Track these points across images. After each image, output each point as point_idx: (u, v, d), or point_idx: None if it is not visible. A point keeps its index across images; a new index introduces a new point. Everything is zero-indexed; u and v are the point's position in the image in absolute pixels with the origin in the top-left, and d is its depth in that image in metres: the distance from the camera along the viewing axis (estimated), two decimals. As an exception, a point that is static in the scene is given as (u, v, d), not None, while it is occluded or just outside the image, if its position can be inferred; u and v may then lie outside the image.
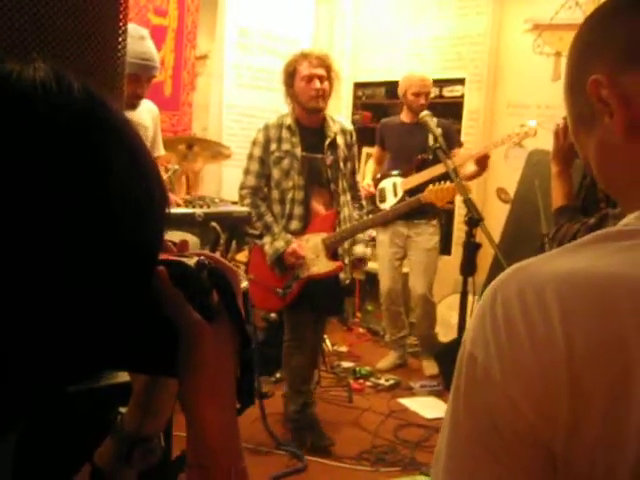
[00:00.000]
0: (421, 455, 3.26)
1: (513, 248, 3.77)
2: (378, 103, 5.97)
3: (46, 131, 0.48)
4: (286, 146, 3.27)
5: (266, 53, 5.41)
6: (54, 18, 0.99)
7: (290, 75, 3.28)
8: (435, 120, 4.24)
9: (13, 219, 0.46)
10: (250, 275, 3.39)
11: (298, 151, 3.26)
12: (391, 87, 5.65)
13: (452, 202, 4.65)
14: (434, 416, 3.66)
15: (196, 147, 3.84)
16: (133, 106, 2.77)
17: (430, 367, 4.43)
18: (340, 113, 4.92)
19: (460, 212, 5.00)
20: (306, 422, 3.38)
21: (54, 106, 0.50)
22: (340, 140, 3.35)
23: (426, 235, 4.37)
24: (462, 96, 5.37)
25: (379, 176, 4.47)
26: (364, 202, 3.63)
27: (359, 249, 3.47)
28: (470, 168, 4.14)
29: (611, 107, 0.67)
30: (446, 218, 4.54)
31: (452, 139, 4.25)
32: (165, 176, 3.73)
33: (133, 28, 2.61)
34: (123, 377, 0.97)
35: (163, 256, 0.62)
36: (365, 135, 5.14)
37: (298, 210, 3.28)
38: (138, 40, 2.71)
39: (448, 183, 3.30)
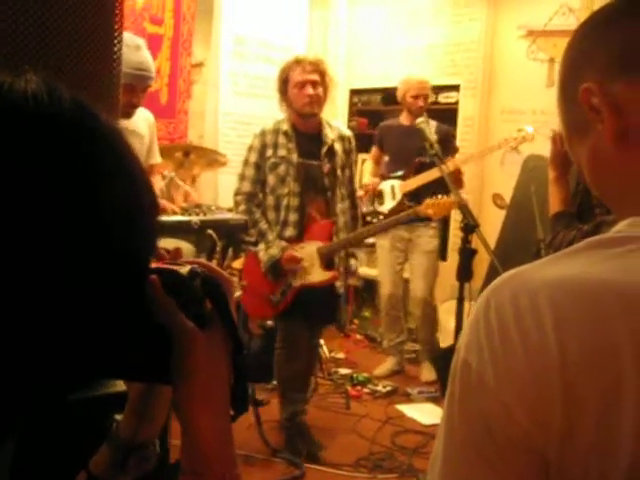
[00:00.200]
0: (418, 461, 3.25)
1: (509, 254, 3.78)
2: (374, 109, 5.98)
3: (36, 142, 0.49)
4: (282, 152, 3.25)
5: (262, 61, 5.42)
6: (49, 29, 0.99)
7: (284, 82, 3.26)
8: (435, 124, 4.27)
9: (1, 228, 0.47)
10: (243, 282, 3.38)
11: (294, 157, 3.24)
12: (387, 93, 5.67)
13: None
14: (431, 422, 3.65)
15: (192, 155, 3.85)
16: (128, 115, 2.77)
17: (428, 373, 4.43)
18: (336, 120, 4.93)
19: (456, 218, 5.01)
20: (296, 430, 3.36)
21: (45, 117, 0.50)
22: (338, 147, 3.32)
23: (426, 237, 4.38)
24: (457, 102, 5.38)
25: (377, 179, 4.48)
26: (363, 208, 3.60)
27: (352, 263, 3.47)
28: None
29: (602, 115, 0.67)
30: (442, 224, 4.55)
31: (449, 144, 4.27)
32: (161, 184, 3.73)
33: (129, 37, 2.61)
34: (120, 386, 0.97)
35: (156, 264, 0.62)
36: (361, 141, 5.14)
37: (293, 217, 3.26)
38: (134, 50, 2.71)
39: (445, 197, 3.30)
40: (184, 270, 0.63)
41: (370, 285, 5.21)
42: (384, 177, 4.46)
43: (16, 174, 0.47)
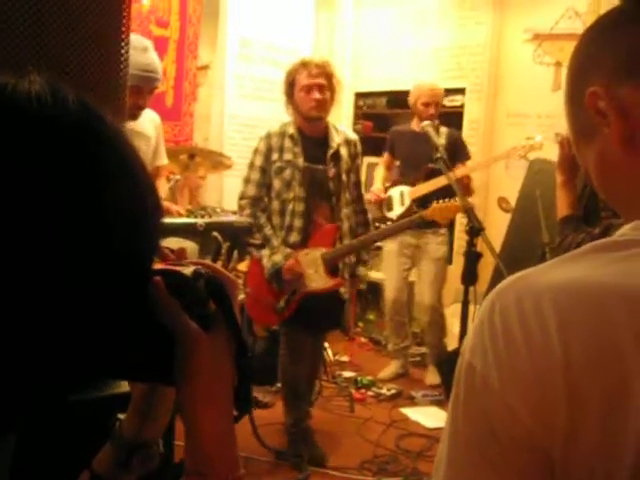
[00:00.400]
0: (423, 465, 3.25)
1: (514, 257, 3.77)
2: (379, 113, 5.99)
3: (40, 143, 0.49)
4: (288, 156, 3.22)
5: (267, 63, 5.43)
6: (57, 30, 1.00)
7: (290, 85, 3.23)
8: (445, 131, 4.26)
9: (4, 229, 0.47)
10: (247, 289, 3.35)
11: (300, 161, 3.21)
12: (392, 97, 5.68)
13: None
14: (436, 426, 3.65)
15: (198, 157, 3.85)
16: (134, 116, 2.77)
17: (432, 377, 4.42)
18: (341, 123, 4.93)
19: (461, 221, 5.00)
20: (301, 435, 3.34)
21: (49, 118, 0.50)
22: (344, 151, 3.29)
23: (434, 244, 4.36)
24: (462, 106, 5.38)
25: (388, 184, 4.47)
26: (370, 216, 3.55)
27: (362, 270, 3.42)
28: None
29: (609, 119, 0.67)
30: (447, 228, 4.54)
31: (460, 151, 4.26)
32: (167, 186, 3.74)
33: (136, 39, 2.61)
34: (124, 387, 0.97)
35: (159, 265, 0.62)
36: (367, 145, 5.15)
37: (298, 222, 3.22)
38: (141, 52, 2.71)
39: (452, 201, 3.27)
40: (188, 271, 0.63)
41: (375, 288, 5.20)
42: (395, 183, 4.45)
43: (17, 175, 0.48)
